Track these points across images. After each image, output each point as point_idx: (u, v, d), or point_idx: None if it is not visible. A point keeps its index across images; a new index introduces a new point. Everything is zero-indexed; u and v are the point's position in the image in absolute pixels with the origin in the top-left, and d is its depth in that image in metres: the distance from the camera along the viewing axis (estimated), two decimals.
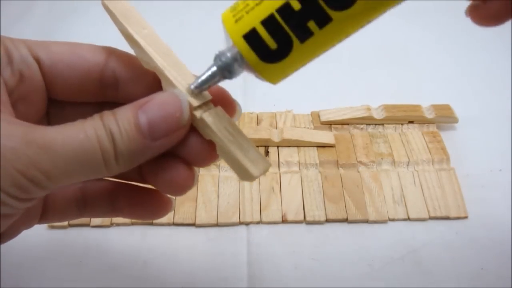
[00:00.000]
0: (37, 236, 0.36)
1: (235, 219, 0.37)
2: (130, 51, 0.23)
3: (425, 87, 0.48)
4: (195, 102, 0.21)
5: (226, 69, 0.20)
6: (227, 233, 0.36)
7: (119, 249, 0.36)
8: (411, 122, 0.43)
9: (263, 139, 0.41)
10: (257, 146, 0.41)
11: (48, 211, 0.25)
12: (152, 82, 0.23)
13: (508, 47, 0.52)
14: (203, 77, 0.21)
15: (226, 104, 0.23)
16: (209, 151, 0.22)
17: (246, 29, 0.19)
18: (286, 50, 0.19)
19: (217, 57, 0.20)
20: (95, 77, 0.23)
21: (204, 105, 0.22)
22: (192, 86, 0.21)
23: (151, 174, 0.24)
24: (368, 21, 0.19)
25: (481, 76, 0.49)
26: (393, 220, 0.37)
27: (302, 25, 0.18)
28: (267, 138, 0.41)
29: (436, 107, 0.44)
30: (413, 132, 0.43)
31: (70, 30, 0.56)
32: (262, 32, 0.19)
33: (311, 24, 0.18)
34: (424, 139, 0.42)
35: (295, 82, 0.50)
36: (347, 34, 0.19)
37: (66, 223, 0.36)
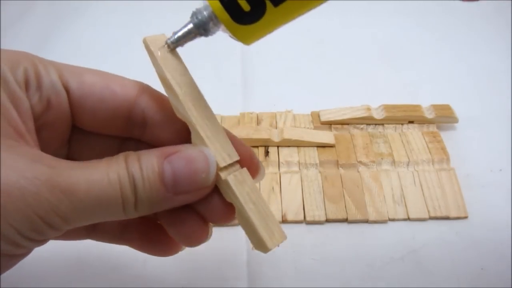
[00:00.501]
0: None
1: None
2: (160, 87, 0.22)
3: (425, 87, 0.48)
4: (222, 163, 0.21)
5: (201, 27, 0.20)
6: (227, 233, 0.36)
7: (119, 249, 0.35)
8: (411, 122, 0.43)
9: (263, 139, 0.41)
10: (257, 146, 0.41)
11: None
12: (181, 128, 0.22)
13: (508, 47, 0.52)
14: (179, 33, 0.21)
15: (250, 164, 0.23)
16: (228, 213, 0.22)
17: None
18: (259, 12, 0.19)
19: (194, 15, 0.21)
20: (124, 113, 0.23)
21: (230, 166, 0.21)
22: (169, 41, 0.22)
23: (167, 222, 0.23)
24: None
25: (481, 76, 0.49)
26: (393, 220, 0.37)
27: None
28: (267, 138, 0.41)
29: (436, 107, 0.44)
30: (413, 132, 0.43)
31: (70, 30, 0.56)
32: None
33: None
34: (424, 139, 0.42)
35: (295, 82, 0.50)
36: (320, 0, 0.19)
37: None
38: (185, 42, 0.22)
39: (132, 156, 0.20)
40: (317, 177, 0.39)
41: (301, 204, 0.38)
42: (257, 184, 0.39)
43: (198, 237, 0.23)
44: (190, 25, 0.21)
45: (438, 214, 0.37)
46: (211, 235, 0.24)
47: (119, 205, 0.19)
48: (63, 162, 0.19)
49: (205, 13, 0.20)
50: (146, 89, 0.23)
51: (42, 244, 0.20)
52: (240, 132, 0.41)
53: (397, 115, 0.43)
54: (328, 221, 0.37)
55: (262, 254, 0.35)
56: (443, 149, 0.41)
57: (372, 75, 0.50)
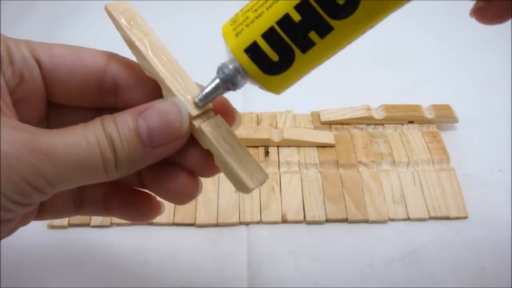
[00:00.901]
0: (37, 236, 0.36)
1: (235, 219, 0.37)
2: (131, 56, 0.23)
3: (425, 87, 0.48)
4: (194, 112, 0.21)
5: (229, 81, 0.20)
6: (227, 233, 0.36)
7: (119, 249, 0.36)
8: (411, 122, 0.43)
9: (263, 139, 0.41)
10: (257, 146, 0.41)
11: (45, 208, 0.25)
12: (153, 89, 0.23)
13: (508, 47, 0.52)
14: (207, 90, 0.21)
15: (226, 113, 0.23)
16: (209, 161, 0.22)
17: (247, 43, 0.19)
18: (288, 61, 0.19)
19: (220, 69, 0.20)
20: (95, 82, 0.23)
21: (203, 114, 0.22)
22: (197, 99, 0.21)
23: (153, 182, 0.24)
24: (369, 27, 0.19)
25: (481, 76, 0.49)
26: (393, 220, 0.37)
27: (303, 36, 0.18)
28: (267, 138, 0.41)
29: (436, 107, 0.44)
30: (413, 132, 0.43)
31: (70, 30, 0.56)
32: (263, 45, 0.18)
33: (312, 35, 0.18)
34: (424, 139, 0.42)
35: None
36: (349, 41, 0.19)
37: (66, 223, 0.36)
38: (214, 98, 0.21)
39: (107, 117, 0.20)
40: (317, 177, 0.39)
41: (301, 204, 0.38)
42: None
43: (187, 191, 0.23)
44: (217, 80, 0.20)
45: (438, 214, 0.37)
46: (201, 189, 0.24)
47: (100, 166, 0.20)
48: (41, 129, 0.19)
49: (231, 66, 0.20)
50: (115, 56, 0.24)
51: (29, 208, 0.20)
52: (240, 132, 0.41)
53: (397, 115, 0.43)
54: (328, 221, 0.37)
55: (262, 254, 0.35)
56: (443, 149, 0.41)
57: (372, 75, 0.50)
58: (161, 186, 0.23)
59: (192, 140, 0.22)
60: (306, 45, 0.18)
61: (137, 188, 0.26)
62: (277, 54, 0.18)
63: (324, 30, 0.18)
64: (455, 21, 0.56)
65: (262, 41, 0.18)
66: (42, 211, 0.25)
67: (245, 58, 0.19)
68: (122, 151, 0.20)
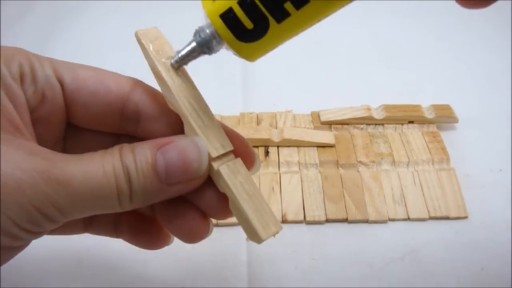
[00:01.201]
0: None
1: (235, 219, 0.37)
2: (149, 80, 0.23)
3: (425, 87, 0.48)
4: (214, 153, 0.21)
5: (205, 45, 0.20)
6: (227, 233, 0.36)
7: (119, 249, 0.35)
8: (411, 122, 0.43)
9: (263, 139, 0.41)
10: (257, 146, 0.41)
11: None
12: (175, 122, 0.22)
13: (508, 47, 0.52)
14: (183, 52, 0.21)
15: (245, 156, 0.23)
16: (224, 205, 0.22)
17: (223, 9, 0.19)
18: (262, 30, 0.19)
19: (197, 33, 0.20)
20: (117, 108, 0.23)
21: (223, 156, 0.21)
22: (172, 61, 0.21)
23: (165, 218, 0.24)
24: (347, 2, 0.19)
25: (481, 76, 0.49)
26: (393, 220, 0.37)
27: (279, 6, 0.18)
28: (267, 138, 0.41)
29: (436, 107, 0.44)
30: (413, 132, 0.43)
31: (70, 30, 0.56)
32: (239, 12, 0.19)
33: (288, 5, 0.18)
34: (424, 139, 0.42)
35: (295, 82, 0.50)
36: (325, 15, 0.19)
37: None
38: (189, 60, 0.21)
39: (126, 148, 0.20)
40: (317, 177, 0.39)
41: (301, 204, 0.38)
42: (257, 184, 0.39)
43: (198, 232, 0.23)
44: (193, 44, 0.21)
45: (438, 214, 0.37)
46: (211, 231, 0.24)
47: (115, 197, 0.19)
48: (59, 154, 0.19)
49: (207, 31, 0.20)
50: (139, 84, 0.23)
51: (39, 236, 0.20)
52: (240, 132, 0.40)
53: (397, 115, 0.43)
54: (328, 221, 0.37)
55: (262, 254, 0.35)
56: (443, 149, 0.41)
57: (372, 75, 0.50)
58: (173, 223, 0.23)
59: (209, 180, 0.22)
60: (281, 16, 0.18)
61: (149, 217, 0.26)
62: (251, 22, 0.19)
63: (300, 2, 0.18)
64: (455, 21, 0.56)
65: (238, 8, 0.19)
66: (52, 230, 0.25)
67: (220, 24, 0.19)
68: (137, 184, 0.19)
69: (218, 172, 0.21)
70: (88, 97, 0.22)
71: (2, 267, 0.34)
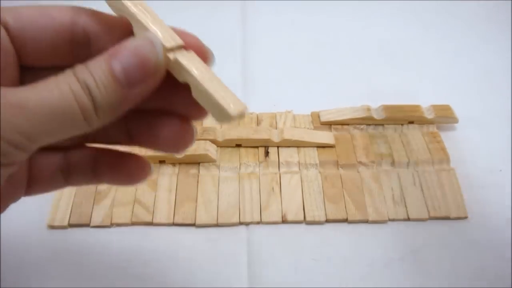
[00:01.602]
0: (37, 236, 0.36)
1: (235, 219, 0.37)
2: None
3: (425, 87, 0.48)
4: (168, 44, 0.21)
5: None
6: (227, 233, 0.36)
7: (119, 249, 0.36)
8: (411, 122, 0.43)
9: (263, 140, 0.41)
10: (257, 147, 0.41)
11: (34, 182, 0.25)
12: (124, 33, 0.22)
13: (508, 47, 0.52)
14: None
15: (198, 52, 0.22)
16: (190, 98, 0.21)
17: None
18: None
19: None
20: (66, 35, 0.23)
21: (177, 49, 0.21)
22: None
23: (143, 133, 0.24)
24: None
25: (481, 76, 0.49)
26: (393, 220, 0.37)
27: None
28: (267, 138, 0.41)
29: (436, 108, 0.44)
30: (413, 133, 0.43)
31: None
32: None
33: None
34: (424, 139, 0.42)
35: (295, 82, 0.50)
36: None
37: (66, 223, 0.36)
38: None
39: (78, 66, 0.20)
40: (317, 177, 0.39)
41: (301, 204, 0.38)
42: (257, 184, 0.39)
43: (184, 137, 0.23)
44: None
45: (438, 215, 0.37)
46: (195, 135, 0.24)
47: (79, 115, 0.19)
48: (10, 87, 0.19)
49: None
50: (82, 8, 0.23)
51: (12, 168, 0.20)
52: (240, 132, 0.41)
53: (397, 116, 0.43)
54: (328, 221, 0.37)
55: (262, 254, 0.35)
56: (443, 149, 0.41)
57: (372, 75, 0.50)
58: (152, 135, 0.23)
59: (169, 82, 0.21)
60: None
61: (124, 151, 0.26)
62: None
63: None
64: (455, 21, 0.56)
65: None
66: (31, 186, 0.25)
67: None
68: (100, 97, 0.19)
69: (176, 61, 0.21)
70: (35, 32, 0.22)
71: (2, 267, 0.34)
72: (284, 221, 0.37)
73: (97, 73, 0.19)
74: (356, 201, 0.38)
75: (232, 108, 0.20)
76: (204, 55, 0.23)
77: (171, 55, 0.21)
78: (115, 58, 0.20)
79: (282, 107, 0.45)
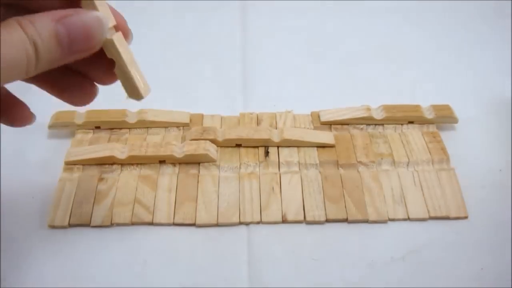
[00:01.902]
0: (37, 236, 0.36)
1: (235, 219, 0.37)
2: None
3: (425, 87, 0.48)
4: (110, 24, 0.25)
5: None
6: (227, 233, 0.36)
7: (119, 249, 0.36)
8: (411, 122, 0.43)
9: (263, 139, 0.41)
10: (257, 147, 0.41)
11: None
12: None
13: (508, 47, 0.52)
14: None
15: (123, 30, 0.26)
16: (110, 69, 0.26)
17: None
18: None
19: None
20: None
21: (111, 28, 0.25)
22: None
23: (60, 88, 0.28)
24: None
25: (481, 76, 0.49)
26: (393, 220, 0.37)
27: None
28: (267, 138, 0.41)
29: (436, 107, 0.44)
30: (413, 132, 0.43)
31: None
32: None
33: None
34: (424, 139, 0.42)
35: (295, 82, 0.50)
36: None
37: (66, 223, 0.36)
38: None
39: (24, 20, 0.21)
40: (317, 177, 0.39)
41: (301, 204, 0.38)
42: (257, 184, 0.39)
43: (88, 96, 0.29)
44: None
45: (438, 214, 0.37)
46: (96, 94, 0.29)
47: (24, 66, 0.21)
48: None
49: None
50: None
51: None
52: (240, 132, 0.41)
53: (397, 115, 0.43)
54: (328, 221, 0.37)
55: (262, 254, 0.35)
56: (443, 149, 0.41)
57: (372, 75, 0.50)
58: (67, 91, 0.28)
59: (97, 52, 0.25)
60: None
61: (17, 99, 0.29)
62: None
63: None
64: (455, 21, 0.56)
65: None
66: None
67: None
68: (43, 54, 0.21)
69: (111, 41, 0.25)
70: None
71: (2, 267, 0.34)
72: (284, 221, 0.37)
73: (43, 33, 0.21)
74: (356, 201, 0.38)
75: (143, 91, 0.27)
76: (127, 34, 0.27)
77: (108, 35, 0.25)
78: (62, 24, 0.22)
79: (282, 107, 0.45)
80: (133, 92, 0.27)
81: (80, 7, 0.24)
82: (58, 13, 0.22)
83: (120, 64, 0.26)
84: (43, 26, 0.21)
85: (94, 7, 0.24)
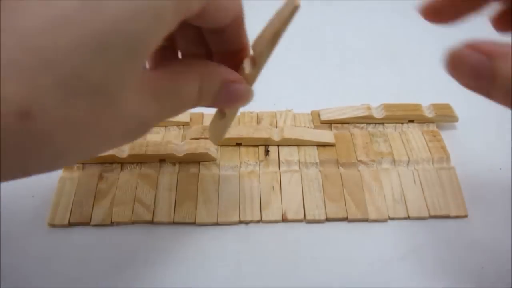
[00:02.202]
0: (37, 236, 0.36)
1: (235, 218, 0.37)
2: None
3: (425, 86, 0.48)
4: None
5: None
6: (227, 232, 0.36)
7: (119, 248, 0.36)
8: (411, 121, 0.43)
9: (263, 138, 0.41)
10: (257, 146, 0.41)
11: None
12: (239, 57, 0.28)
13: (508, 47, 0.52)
14: None
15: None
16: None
17: None
18: None
19: None
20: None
21: None
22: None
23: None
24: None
25: None
26: (393, 219, 0.37)
27: None
28: (267, 137, 0.41)
29: (436, 106, 0.44)
30: (413, 131, 0.43)
31: None
32: None
33: None
34: (424, 138, 0.42)
35: (295, 82, 0.50)
36: None
37: (66, 222, 0.36)
38: None
39: (205, 73, 0.25)
40: (317, 176, 0.39)
41: (301, 203, 0.38)
42: (258, 183, 0.39)
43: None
44: None
45: (438, 213, 0.37)
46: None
47: (190, 100, 0.25)
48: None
49: None
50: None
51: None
52: (240, 131, 0.41)
53: (397, 114, 0.43)
54: (328, 220, 0.37)
55: (262, 253, 0.35)
56: (443, 148, 0.41)
57: (372, 74, 0.50)
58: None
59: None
60: None
61: None
62: None
63: None
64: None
65: None
66: None
67: None
68: (200, 103, 0.26)
69: (230, 113, 0.30)
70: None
71: (2, 267, 0.34)
72: (284, 219, 0.37)
73: (211, 89, 0.26)
74: (356, 200, 0.38)
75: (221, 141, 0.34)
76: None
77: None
78: (226, 87, 0.26)
79: (282, 106, 0.45)
80: (214, 138, 0.32)
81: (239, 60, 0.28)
82: (228, 75, 0.26)
83: (225, 120, 0.30)
84: (213, 84, 0.25)
85: (253, 81, 0.28)
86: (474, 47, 0.25)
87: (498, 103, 0.26)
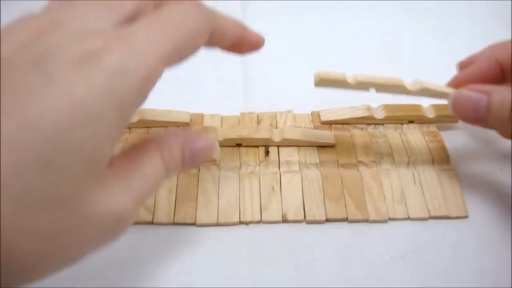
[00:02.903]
0: None
1: (236, 218, 0.37)
2: None
3: None
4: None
5: None
6: (227, 233, 0.36)
7: (119, 248, 0.35)
8: (411, 121, 0.43)
9: (263, 139, 0.41)
10: (257, 146, 0.41)
11: None
12: None
13: None
14: None
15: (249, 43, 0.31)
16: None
17: None
18: None
19: None
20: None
21: None
22: None
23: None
24: None
25: None
26: (393, 219, 0.37)
27: None
28: (268, 138, 0.41)
29: (436, 107, 0.44)
30: (413, 132, 0.43)
31: None
32: None
33: None
34: (425, 138, 0.42)
35: (295, 82, 0.50)
36: None
37: None
38: None
39: (163, 153, 0.25)
40: (317, 176, 0.39)
41: (301, 203, 0.38)
42: (258, 183, 0.39)
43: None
44: None
45: (438, 214, 0.37)
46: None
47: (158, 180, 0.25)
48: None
49: None
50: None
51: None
52: (241, 132, 0.41)
53: (397, 115, 0.43)
54: (328, 220, 0.37)
55: (262, 254, 0.35)
56: (443, 148, 0.41)
57: (372, 74, 0.49)
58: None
59: None
60: None
61: None
62: None
63: None
64: (455, 21, 0.56)
65: None
66: None
67: None
68: (170, 173, 0.26)
69: None
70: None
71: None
72: (284, 220, 0.37)
73: (175, 159, 0.26)
74: (356, 200, 0.38)
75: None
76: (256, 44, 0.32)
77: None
78: (188, 150, 0.26)
79: (282, 107, 0.45)
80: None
81: None
82: (184, 138, 0.26)
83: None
84: (175, 154, 0.26)
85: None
86: (475, 89, 0.33)
87: (493, 129, 0.33)
